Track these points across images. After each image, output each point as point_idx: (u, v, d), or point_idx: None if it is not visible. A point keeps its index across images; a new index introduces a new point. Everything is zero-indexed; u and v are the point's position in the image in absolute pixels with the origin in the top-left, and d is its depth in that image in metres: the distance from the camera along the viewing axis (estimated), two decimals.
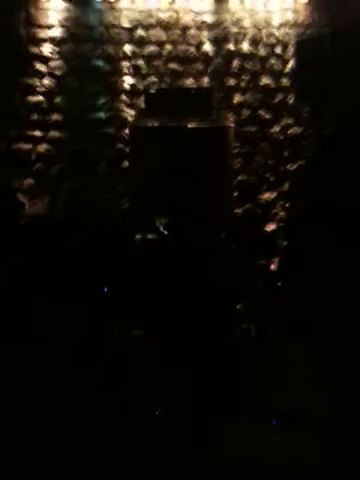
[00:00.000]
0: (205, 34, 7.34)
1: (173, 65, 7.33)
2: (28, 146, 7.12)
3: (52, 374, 4.39)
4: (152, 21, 7.27)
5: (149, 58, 7.29)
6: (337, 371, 4.48)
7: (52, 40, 7.16)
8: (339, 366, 4.59)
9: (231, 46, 7.36)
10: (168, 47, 7.32)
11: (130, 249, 6.00)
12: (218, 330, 5.24)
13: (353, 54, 7.08)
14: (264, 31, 7.40)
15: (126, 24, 7.25)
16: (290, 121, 7.41)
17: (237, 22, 7.34)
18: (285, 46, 7.42)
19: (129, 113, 7.29)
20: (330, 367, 4.58)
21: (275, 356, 4.99)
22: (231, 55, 7.35)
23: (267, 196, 7.37)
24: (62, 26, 7.16)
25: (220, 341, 5.11)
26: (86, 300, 5.33)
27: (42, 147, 7.16)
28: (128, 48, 7.27)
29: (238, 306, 5.86)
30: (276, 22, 7.38)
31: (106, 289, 5.63)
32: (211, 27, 7.34)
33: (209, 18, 7.32)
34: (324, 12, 7.33)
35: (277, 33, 7.41)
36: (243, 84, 7.38)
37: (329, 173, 6.61)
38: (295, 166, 7.31)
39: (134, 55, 7.28)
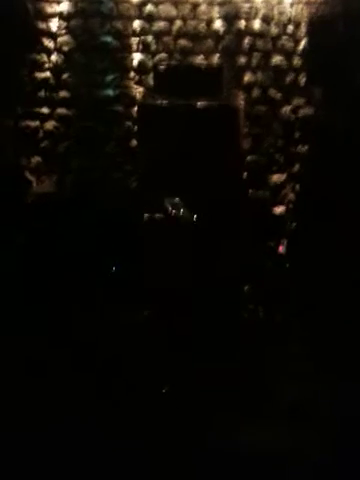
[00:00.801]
0: (216, 10, 7.19)
1: (183, 42, 7.20)
2: (35, 123, 7.03)
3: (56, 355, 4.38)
4: None
5: (158, 34, 7.16)
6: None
7: (60, 15, 7.03)
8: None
9: (242, 23, 7.22)
10: (178, 23, 7.18)
11: (138, 228, 5.96)
12: (224, 313, 5.22)
13: None
14: (276, 9, 7.25)
15: None
16: (301, 102, 7.29)
17: None
18: (297, 25, 7.27)
19: (138, 90, 7.18)
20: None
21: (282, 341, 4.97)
22: (242, 33, 7.21)
23: (277, 178, 7.29)
24: (70, 1, 7.02)
25: (226, 325, 5.09)
26: (92, 280, 5.30)
27: (50, 124, 7.06)
28: (137, 24, 7.14)
29: (246, 288, 5.84)
30: (288, 0, 7.22)
31: (114, 268, 5.60)
32: (222, 3, 7.18)
33: None
34: None
35: (289, 11, 7.25)
36: (254, 63, 7.25)
37: (339, 154, 6.53)
38: (306, 147, 7.21)
39: (143, 31, 7.14)
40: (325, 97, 7.19)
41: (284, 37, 7.27)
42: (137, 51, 7.16)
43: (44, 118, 7.04)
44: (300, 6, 7.24)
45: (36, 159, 7.02)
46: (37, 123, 7.05)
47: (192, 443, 3.47)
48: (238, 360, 4.45)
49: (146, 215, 6.52)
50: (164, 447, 3.43)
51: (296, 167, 7.25)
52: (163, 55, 7.18)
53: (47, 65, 7.06)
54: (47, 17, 7.02)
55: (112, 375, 4.19)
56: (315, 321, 5.22)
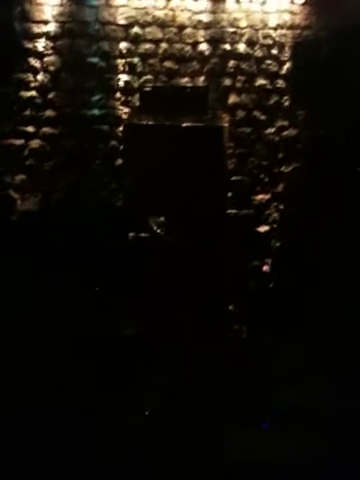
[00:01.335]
0: (201, 33, 7.31)
1: (169, 64, 7.29)
2: (21, 141, 7.04)
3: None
4: (148, 19, 7.22)
5: (145, 56, 7.24)
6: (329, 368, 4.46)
7: (47, 35, 7.09)
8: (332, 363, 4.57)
9: (227, 46, 7.34)
10: (164, 45, 7.28)
11: (123, 247, 5.95)
12: (209, 330, 5.20)
13: (349, 57, 7.10)
14: (260, 32, 7.39)
15: (122, 21, 7.20)
16: (285, 123, 7.40)
17: (233, 22, 7.31)
18: (281, 48, 7.41)
19: (124, 111, 7.23)
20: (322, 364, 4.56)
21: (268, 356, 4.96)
22: (227, 55, 7.33)
23: (261, 197, 7.35)
24: (57, 21, 7.09)
25: (211, 341, 5.07)
26: (77, 297, 5.26)
27: (35, 143, 7.08)
28: (124, 45, 7.22)
29: (230, 307, 5.84)
30: (273, 23, 7.37)
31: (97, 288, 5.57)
32: (207, 27, 7.30)
33: (205, 17, 7.29)
34: (320, 15, 7.33)
35: (274, 34, 7.40)
36: (239, 85, 7.36)
37: (323, 175, 6.62)
38: (290, 168, 7.30)
39: (129, 53, 7.23)
40: (308, 119, 7.31)
41: (268, 60, 7.39)
42: (123, 72, 7.23)
43: (29, 136, 7.06)
44: (284, 30, 7.39)
45: (21, 177, 7.01)
46: (22, 141, 7.05)
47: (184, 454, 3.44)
48: (222, 378, 4.43)
49: (131, 234, 6.53)
50: (160, 458, 3.39)
51: (280, 187, 7.32)
52: (149, 76, 7.26)
53: (33, 84, 7.09)
54: (34, 37, 7.07)
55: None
56: (300, 339, 5.22)
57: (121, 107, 7.22)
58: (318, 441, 3.49)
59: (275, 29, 7.39)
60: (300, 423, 3.72)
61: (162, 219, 6.43)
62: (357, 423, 3.75)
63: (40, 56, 7.10)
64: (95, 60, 7.16)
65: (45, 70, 7.11)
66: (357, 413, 3.89)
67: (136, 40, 7.23)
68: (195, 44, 7.31)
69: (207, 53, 7.32)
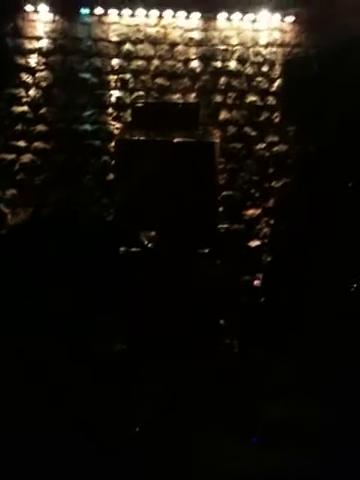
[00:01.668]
0: (193, 51, 7.39)
1: (160, 80, 7.35)
2: (12, 156, 7.04)
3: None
4: (140, 36, 7.29)
5: (136, 72, 7.30)
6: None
7: (39, 51, 7.13)
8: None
9: (218, 63, 7.42)
10: (155, 62, 7.34)
11: (113, 262, 5.92)
12: (201, 344, 5.17)
13: (338, 74, 7.18)
14: (251, 50, 7.48)
15: (114, 38, 7.26)
16: (275, 139, 7.46)
17: (225, 40, 7.40)
18: (272, 65, 7.50)
19: (115, 126, 7.26)
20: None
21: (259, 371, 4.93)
22: (218, 72, 7.40)
23: (252, 212, 7.37)
24: (49, 37, 7.15)
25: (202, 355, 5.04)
26: (67, 312, 5.22)
27: (26, 157, 7.08)
28: (116, 62, 7.28)
29: (221, 322, 5.81)
30: (263, 41, 7.47)
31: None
32: (199, 44, 7.39)
33: (197, 35, 7.38)
34: (310, 33, 7.44)
35: (264, 52, 7.49)
36: (230, 101, 7.42)
37: (313, 190, 6.65)
38: (280, 183, 7.34)
39: (121, 69, 7.29)
40: (298, 134, 7.37)
41: (259, 77, 7.47)
42: (115, 88, 7.28)
43: (21, 151, 7.06)
44: (274, 47, 7.48)
45: (11, 191, 7.00)
46: (13, 156, 7.05)
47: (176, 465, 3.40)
48: (214, 392, 4.39)
49: (122, 248, 6.50)
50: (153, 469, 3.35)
51: (271, 202, 7.35)
52: (141, 92, 7.31)
53: (25, 99, 7.12)
54: (26, 53, 7.12)
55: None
56: (291, 354, 5.20)
57: (113, 122, 7.26)
58: (307, 455, 3.45)
59: (266, 47, 7.49)
60: (290, 438, 3.68)
61: (153, 234, 6.42)
62: (346, 437, 3.72)
63: (32, 72, 7.14)
64: (87, 76, 7.21)
65: (37, 85, 7.15)
66: (346, 427, 3.86)
67: (128, 57, 7.29)
68: (186, 61, 7.39)
69: (198, 70, 7.40)
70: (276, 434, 3.75)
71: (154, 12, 7.20)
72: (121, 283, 5.73)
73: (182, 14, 7.26)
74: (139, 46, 7.31)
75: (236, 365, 5.15)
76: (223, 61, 7.43)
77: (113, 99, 7.26)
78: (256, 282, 6.36)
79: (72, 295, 5.47)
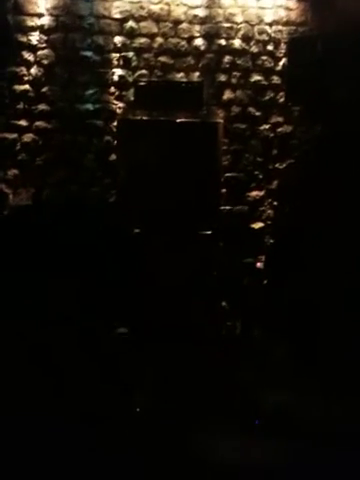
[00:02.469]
0: (197, 28, 7.26)
1: (164, 58, 7.23)
2: (13, 136, 6.97)
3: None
4: (143, 13, 7.16)
5: (139, 51, 7.19)
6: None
7: (41, 29, 7.02)
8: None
9: (223, 41, 7.30)
10: (159, 40, 7.22)
11: (116, 242, 5.90)
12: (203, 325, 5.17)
13: (344, 54, 7.07)
14: (256, 28, 7.35)
15: (117, 15, 7.14)
16: (280, 119, 7.37)
17: (229, 17, 7.27)
18: (277, 44, 7.38)
19: (118, 105, 7.18)
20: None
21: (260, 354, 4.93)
22: (222, 51, 7.28)
23: (255, 194, 7.32)
24: (51, 15, 7.02)
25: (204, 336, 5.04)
26: (70, 294, 5.21)
27: (28, 137, 7.01)
28: (118, 39, 7.16)
29: (223, 304, 5.80)
30: (268, 19, 7.33)
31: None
32: (203, 22, 7.26)
33: (201, 12, 7.24)
34: (316, 11, 7.30)
35: (269, 30, 7.36)
36: (234, 80, 7.32)
37: (318, 172, 6.59)
38: (284, 164, 7.27)
39: (124, 47, 7.17)
40: (303, 115, 7.28)
41: (264, 56, 7.36)
42: (118, 66, 7.18)
43: (22, 130, 6.99)
44: (280, 26, 7.35)
45: (13, 172, 6.95)
46: (15, 135, 6.99)
47: (173, 453, 3.40)
48: (217, 374, 4.39)
49: (124, 229, 6.47)
50: (148, 458, 3.35)
51: (274, 184, 7.29)
52: (144, 71, 7.20)
53: (27, 78, 7.02)
54: (27, 30, 7.00)
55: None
56: (293, 337, 5.20)
57: (115, 102, 7.17)
58: (302, 443, 3.45)
59: (271, 25, 7.36)
60: (288, 424, 3.68)
61: (155, 215, 6.38)
62: (345, 424, 3.72)
63: (34, 50, 7.03)
64: (89, 54, 7.10)
65: (39, 64, 7.05)
66: (345, 413, 3.86)
67: (131, 34, 7.17)
68: (190, 39, 7.26)
69: (202, 48, 7.28)
70: (275, 420, 3.75)
71: None
72: (123, 265, 5.71)
73: None
74: (142, 23, 7.18)
75: (238, 348, 5.15)
76: (227, 39, 7.30)
77: (115, 78, 7.16)
78: (259, 264, 6.34)
79: (74, 276, 5.46)
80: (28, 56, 7.02)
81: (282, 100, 7.34)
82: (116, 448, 3.40)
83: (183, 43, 7.25)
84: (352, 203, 6.34)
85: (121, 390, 4.08)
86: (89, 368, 4.34)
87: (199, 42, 7.27)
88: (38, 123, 7.03)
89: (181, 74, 7.26)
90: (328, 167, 6.67)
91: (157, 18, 7.18)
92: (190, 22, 7.24)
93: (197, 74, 7.27)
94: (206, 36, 7.26)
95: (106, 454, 3.36)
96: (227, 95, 7.32)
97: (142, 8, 7.15)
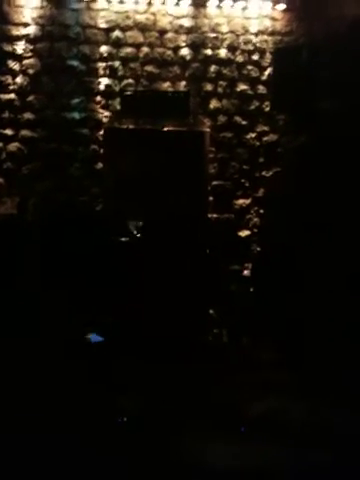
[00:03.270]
0: (183, 38, 7.30)
1: (150, 68, 7.26)
2: None
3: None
4: (129, 23, 7.20)
5: (126, 60, 7.21)
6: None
7: (26, 38, 7.02)
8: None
9: (208, 51, 7.34)
10: (145, 50, 7.25)
11: (102, 251, 5.87)
12: (190, 333, 5.14)
13: (329, 63, 7.13)
14: (241, 38, 7.40)
15: (103, 25, 7.16)
16: (265, 128, 7.41)
17: (215, 27, 7.32)
18: (262, 53, 7.43)
19: (104, 114, 7.18)
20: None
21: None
22: (208, 60, 7.32)
23: (242, 202, 7.33)
24: (37, 24, 7.03)
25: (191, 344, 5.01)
26: (55, 301, 5.17)
27: (13, 146, 6.99)
28: (104, 49, 7.18)
29: (210, 311, 5.78)
30: (254, 29, 7.39)
31: None
32: (188, 32, 7.30)
33: (187, 22, 7.29)
34: (301, 21, 7.38)
35: (254, 40, 7.42)
36: (220, 90, 7.36)
37: (303, 180, 6.62)
38: (270, 173, 7.30)
39: (110, 56, 7.19)
40: (289, 124, 7.32)
41: (249, 65, 7.41)
42: (104, 76, 7.19)
43: (8, 140, 6.96)
44: (265, 36, 7.41)
45: None
46: (0, 145, 6.96)
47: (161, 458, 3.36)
48: (203, 382, 4.37)
49: (111, 238, 6.44)
50: (137, 464, 3.31)
51: (261, 192, 7.31)
52: (130, 80, 7.22)
53: (12, 87, 7.01)
54: (13, 40, 7.00)
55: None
56: (280, 344, 5.18)
57: (101, 111, 7.17)
58: (290, 448, 3.43)
59: (256, 35, 7.42)
60: (276, 430, 3.66)
61: (142, 223, 6.36)
62: (331, 429, 3.71)
63: (19, 59, 7.03)
64: (75, 63, 7.11)
65: (24, 73, 7.04)
66: (336, 419, 3.85)
67: (117, 44, 7.19)
68: (176, 49, 7.30)
69: (188, 58, 7.32)
70: (262, 426, 3.72)
71: None
72: (109, 273, 5.68)
73: (172, 1, 7.17)
74: (128, 33, 7.21)
75: (225, 355, 5.12)
76: (213, 49, 7.35)
77: (102, 87, 7.17)
78: (245, 272, 6.34)
79: (60, 284, 5.42)
80: (14, 65, 7.02)
81: (268, 109, 7.39)
82: (100, 456, 3.36)
83: (169, 53, 7.29)
84: (337, 211, 6.36)
85: (107, 397, 4.04)
86: (73, 375, 4.30)
87: (185, 52, 7.31)
88: (24, 132, 7.01)
89: (167, 83, 7.29)
90: (313, 176, 6.70)
91: (143, 28, 7.22)
92: (176, 32, 7.28)
93: (183, 83, 7.31)
94: (192, 46, 7.31)
95: (90, 462, 3.31)
96: (213, 104, 7.35)
97: (128, 18, 7.18)
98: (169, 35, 7.28)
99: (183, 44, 7.31)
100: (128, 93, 7.17)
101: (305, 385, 4.34)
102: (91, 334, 4.93)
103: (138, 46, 7.24)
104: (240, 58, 7.40)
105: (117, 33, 7.19)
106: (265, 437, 3.58)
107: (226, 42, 7.37)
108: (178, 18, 7.27)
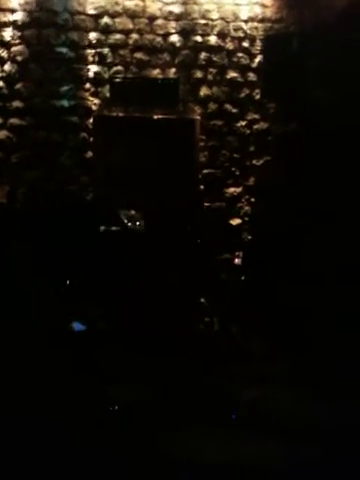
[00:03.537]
0: (172, 25, 7.23)
1: (139, 55, 7.19)
2: None
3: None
4: (118, 9, 7.11)
5: (115, 47, 7.14)
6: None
7: (14, 24, 6.92)
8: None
9: (198, 38, 7.28)
10: (134, 36, 7.18)
11: (93, 241, 5.84)
12: (181, 321, 5.15)
13: (319, 51, 7.11)
14: (231, 25, 7.35)
15: (91, 11, 7.07)
16: (256, 116, 7.38)
17: (205, 14, 7.26)
18: (252, 41, 7.39)
19: (94, 102, 7.12)
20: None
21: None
22: (198, 47, 7.27)
23: (232, 190, 7.33)
24: (25, 10, 6.93)
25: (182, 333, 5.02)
26: (45, 292, 5.15)
27: (2, 134, 6.91)
28: (93, 36, 7.10)
29: (202, 300, 5.79)
30: (244, 16, 7.34)
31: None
32: (178, 18, 7.23)
33: (177, 8, 7.22)
34: (291, 8, 7.33)
35: (245, 27, 7.37)
36: (210, 77, 7.31)
37: (294, 168, 6.62)
38: (261, 161, 7.29)
39: (99, 43, 7.11)
40: (279, 112, 7.30)
41: (239, 53, 7.36)
42: (93, 63, 7.12)
43: None
44: (255, 23, 7.36)
45: None
46: None
47: (151, 452, 3.37)
48: (194, 370, 4.38)
49: (102, 228, 6.41)
50: (129, 458, 3.31)
51: (251, 180, 7.31)
52: (119, 67, 7.16)
53: (0, 74, 6.92)
54: (0, 26, 6.90)
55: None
56: (271, 333, 5.21)
57: (91, 98, 7.11)
58: (278, 439, 3.45)
59: (246, 22, 7.36)
60: (264, 421, 3.68)
61: (133, 212, 6.34)
62: (320, 420, 3.73)
63: (7, 46, 6.93)
64: (64, 50, 7.03)
65: (12, 60, 6.96)
66: (321, 408, 3.87)
67: (106, 30, 7.12)
68: (166, 35, 7.23)
69: (178, 45, 7.26)
70: (251, 416, 3.74)
71: None
72: (100, 262, 5.66)
73: None
74: (117, 19, 7.13)
75: (216, 344, 5.14)
76: (203, 36, 7.29)
77: (91, 74, 7.10)
78: (237, 260, 6.35)
79: (50, 274, 5.40)
80: (1, 52, 6.93)
81: (258, 97, 7.36)
82: (90, 446, 3.37)
83: (159, 39, 7.22)
84: (328, 199, 6.38)
85: (98, 387, 4.04)
86: (64, 364, 4.29)
87: (175, 38, 7.25)
88: (12, 120, 6.94)
89: (157, 70, 7.23)
90: (304, 164, 6.70)
91: (132, 14, 7.14)
92: (166, 18, 7.21)
93: (173, 70, 7.25)
94: (182, 32, 7.25)
95: (78, 452, 3.31)
96: (203, 92, 7.31)
97: (117, 4, 7.10)
98: (159, 21, 7.21)
99: (173, 31, 7.24)
100: (117, 80, 7.11)
101: (296, 375, 4.37)
102: (74, 323, 4.90)
103: (127, 33, 7.16)
104: (230, 45, 7.35)
105: (106, 19, 7.11)
106: (255, 428, 3.59)
107: (216, 29, 7.31)
108: (168, 4, 7.20)
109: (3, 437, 3.40)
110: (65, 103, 7.01)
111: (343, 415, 3.76)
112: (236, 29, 7.36)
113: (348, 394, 3.98)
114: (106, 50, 7.13)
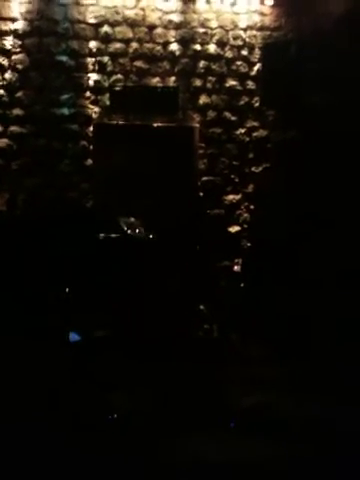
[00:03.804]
0: (172, 33, 7.29)
1: (139, 63, 7.24)
2: None
3: None
4: (118, 18, 7.17)
5: (115, 55, 7.19)
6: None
7: (15, 33, 6.97)
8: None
9: (198, 46, 7.33)
10: (134, 45, 7.23)
11: (92, 248, 5.86)
12: (180, 329, 5.17)
13: (317, 58, 7.16)
14: (230, 34, 7.40)
15: (92, 20, 7.13)
16: (255, 124, 7.43)
17: (204, 23, 7.31)
18: (251, 49, 7.44)
19: (94, 110, 7.16)
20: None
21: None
22: (198, 56, 7.32)
23: (232, 197, 7.36)
24: (25, 19, 6.98)
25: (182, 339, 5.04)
26: (45, 298, 5.16)
27: (2, 142, 6.94)
28: (93, 44, 7.15)
29: (201, 307, 5.81)
30: (243, 24, 7.39)
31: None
32: (178, 27, 7.29)
33: (176, 17, 7.28)
34: (290, 17, 7.39)
35: (244, 35, 7.42)
36: (209, 85, 7.36)
37: (293, 175, 6.66)
38: (260, 168, 7.32)
39: (99, 52, 7.16)
40: (278, 119, 7.35)
41: (238, 61, 7.41)
42: (93, 71, 7.16)
43: None
44: (254, 31, 7.42)
45: None
46: None
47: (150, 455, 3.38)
48: (194, 377, 4.39)
49: (101, 235, 6.43)
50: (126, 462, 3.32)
51: (250, 187, 7.34)
52: (119, 76, 7.20)
53: (0, 83, 6.96)
54: (1, 35, 6.95)
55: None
56: (270, 339, 5.23)
57: (91, 106, 7.15)
58: (279, 442, 3.46)
59: (245, 30, 7.42)
60: (264, 425, 3.69)
61: (132, 219, 6.36)
62: (319, 423, 3.75)
63: (8, 54, 6.98)
64: (64, 59, 7.07)
65: (13, 68, 7.00)
66: (324, 415, 3.89)
67: (106, 39, 7.17)
68: (166, 44, 7.29)
69: (178, 53, 7.31)
70: (250, 421, 3.75)
71: None
72: (100, 269, 5.68)
73: None
74: (117, 28, 7.19)
75: (215, 350, 5.16)
76: (202, 44, 7.35)
77: (91, 82, 7.15)
78: (236, 267, 6.37)
79: (50, 281, 5.41)
80: (2, 61, 6.97)
81: (257, 105, 7.40)
82: (90, 453, 3.37)
83: (158, 48, 7.28)
84: (327, 205, 6.41)
85: (97, 395, 4.05)
86: (65, 370, 4.30)
87: (174, 47, 7.30)
88: (13, 128, 6.97)
89: (157, 79, 7.27)
90: (303, 171, 6.74)
91: (132, 23, 7.19)
92: (165, 27, 7.27)
93: (173, 79, 7.30)
94: (181, 41, 7.30)
95: (79, 459, 3.32)
96: (203, 100, 7.35)
97: (117, 13, 7.16)
98: (158, 30, 7.26)
99: (172, 39, 7.30)
100: (117, 88, 7.16)
101: (296, 381, 4.38)
102: (71, 333, 4.91)
103: (127, 41, 7.21)
104: (229, 53, 7.40)
105: (106, 28, 7.16)
106: (254, 433, 3.61)
107: (215, 37, 7.37)
108: (167, 13, 7.25)
109: (4, 445, 3.41)
110: (65, 111, 7.05)
111: (343, 419, 3.77)
112: (235, 37, 7.41)
113: (348, 399, 3.99)
114: (106, 58, 7.18)
